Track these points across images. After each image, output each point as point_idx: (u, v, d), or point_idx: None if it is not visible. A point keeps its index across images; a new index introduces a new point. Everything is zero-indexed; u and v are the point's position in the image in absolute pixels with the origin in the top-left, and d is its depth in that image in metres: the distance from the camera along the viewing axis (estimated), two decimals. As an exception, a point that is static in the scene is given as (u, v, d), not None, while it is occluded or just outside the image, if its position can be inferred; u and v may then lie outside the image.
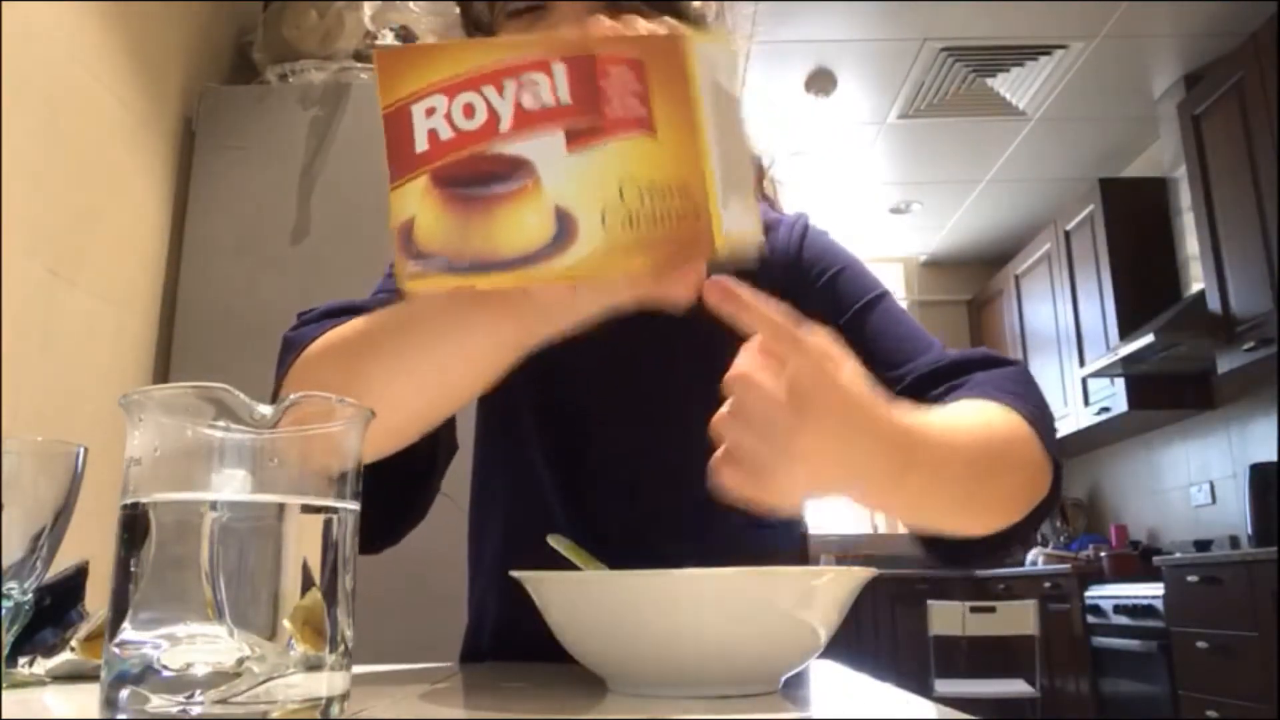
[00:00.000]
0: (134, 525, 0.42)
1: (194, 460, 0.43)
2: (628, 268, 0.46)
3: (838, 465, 0.49)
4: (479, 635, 0.92)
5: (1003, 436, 0.64)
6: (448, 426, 0.81)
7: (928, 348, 0.77)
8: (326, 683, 0.43)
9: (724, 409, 0.49)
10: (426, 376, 0.60)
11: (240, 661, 0.40)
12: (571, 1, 0.71)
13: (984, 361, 0.73)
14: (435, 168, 0.46)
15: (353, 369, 0.62)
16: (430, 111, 0.46)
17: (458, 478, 0.87)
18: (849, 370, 0.50)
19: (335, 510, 0.45)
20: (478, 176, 0.46)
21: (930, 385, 0.72)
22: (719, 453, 0.49)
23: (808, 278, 0.84)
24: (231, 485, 0.42)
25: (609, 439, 0.85)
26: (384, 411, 0.46)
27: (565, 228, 0.46)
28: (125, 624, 0.41)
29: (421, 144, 0.46)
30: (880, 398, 0.51)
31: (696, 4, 0.79)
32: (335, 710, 0.43)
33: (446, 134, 0.46)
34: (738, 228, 0.47)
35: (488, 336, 0.58)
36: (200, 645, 0.40)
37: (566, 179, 0.46)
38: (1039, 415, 0.67)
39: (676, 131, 0.44)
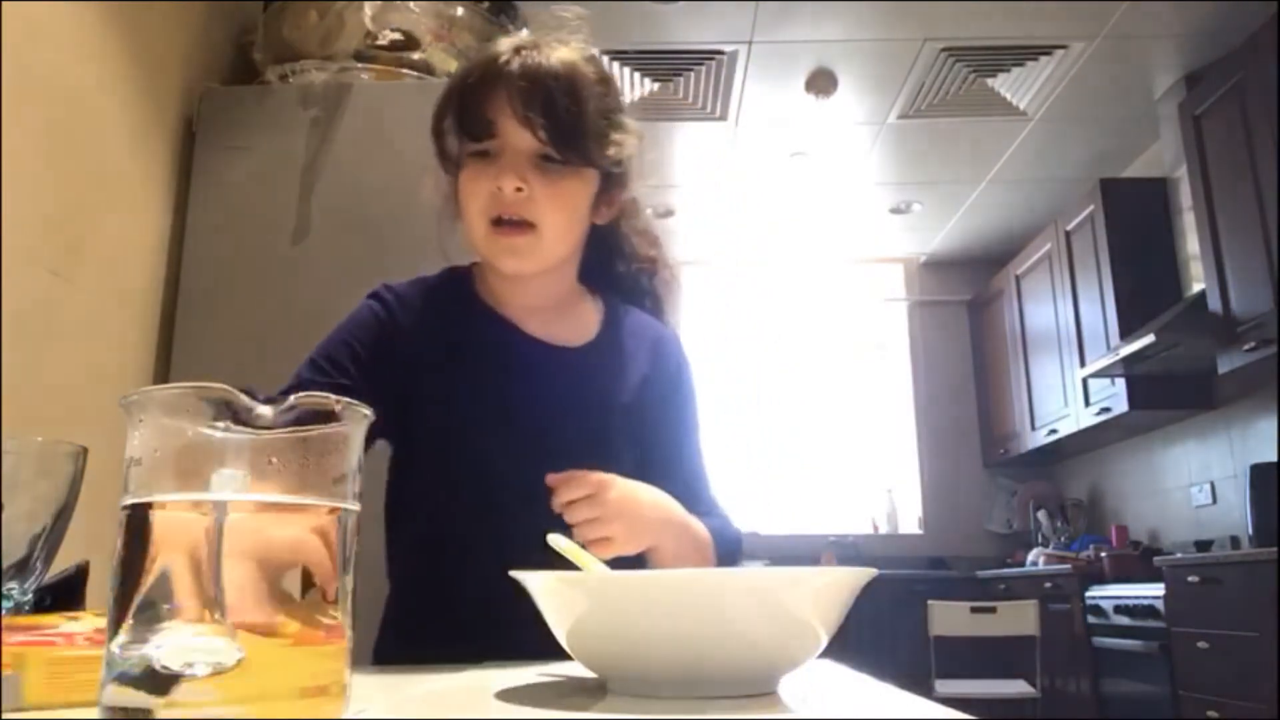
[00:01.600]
0: (134, 525, 0.42)
1: (194, 460, 0.43)
2: None
3: (643, 535, 0.94)
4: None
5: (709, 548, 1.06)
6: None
7: (703, 486, 1.16)
8: (326, 683, 0.43)
9: (578, 498, 0.90)
10: None
11: (240, 662, 0.40)
12: (514, 152, 0.98)
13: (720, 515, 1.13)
14: None
15: None
16: None
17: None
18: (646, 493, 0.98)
19: (335, 510, 0.45)
20: None
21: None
22: (581, 523, 0.89)
23: (674, 391, 1.17)
24: (231, 485, 0.42)
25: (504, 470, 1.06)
26: None
27: None
28: (125, 624, 0.41)
29: None
30: (662, 507, 0.99)
31: (611, 155, 1.05)
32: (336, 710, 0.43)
33: None
34: None
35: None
36: (200, 645, 0.40)
37: None
38: (724, 552, 1.06)
39: None
